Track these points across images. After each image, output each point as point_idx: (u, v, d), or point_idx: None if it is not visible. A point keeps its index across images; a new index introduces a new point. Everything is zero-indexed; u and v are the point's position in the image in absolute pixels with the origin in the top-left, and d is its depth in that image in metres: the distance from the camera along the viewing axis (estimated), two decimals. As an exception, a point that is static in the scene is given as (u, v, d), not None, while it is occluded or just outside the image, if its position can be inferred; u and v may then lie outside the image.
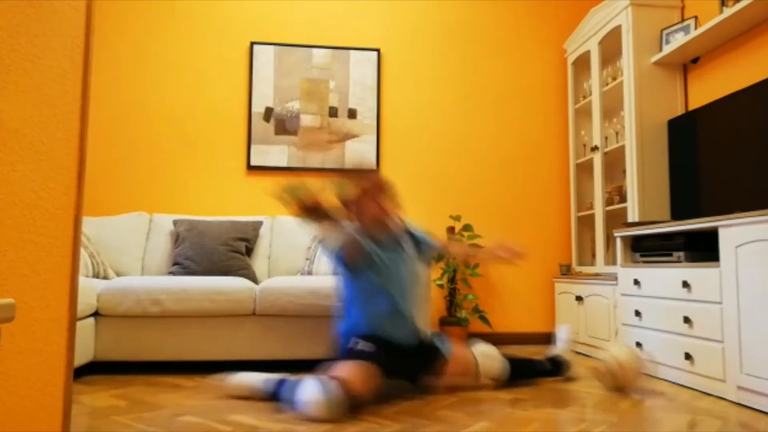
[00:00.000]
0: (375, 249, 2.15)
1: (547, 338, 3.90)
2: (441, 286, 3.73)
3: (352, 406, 1.90)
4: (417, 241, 2.34)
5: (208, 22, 3.85)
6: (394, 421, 1.88)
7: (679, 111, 3.23)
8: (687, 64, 3.25)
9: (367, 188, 2.16)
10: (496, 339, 3.87)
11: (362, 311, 2.17)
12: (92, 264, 2.97)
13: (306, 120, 3.85)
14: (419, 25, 4.04)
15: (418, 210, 3.91)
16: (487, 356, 2.36)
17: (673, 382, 2.55)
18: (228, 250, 3.17)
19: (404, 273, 2.20)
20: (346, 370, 1.95)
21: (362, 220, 2.18)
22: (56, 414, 0.98)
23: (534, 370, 2.51)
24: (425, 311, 2.38)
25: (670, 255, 2.64)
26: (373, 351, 2.05)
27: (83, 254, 2.95)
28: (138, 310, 2.66)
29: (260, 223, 3.40)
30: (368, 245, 2.14)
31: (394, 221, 2.24)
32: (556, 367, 2.55)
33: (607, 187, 3.66)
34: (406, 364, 2.22)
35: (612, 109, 3.76)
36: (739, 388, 2.16)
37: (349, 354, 2.06)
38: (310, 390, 1.88)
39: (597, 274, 3.50)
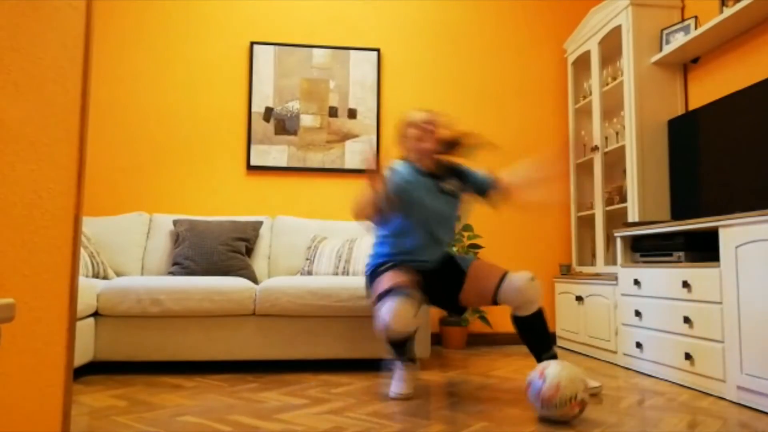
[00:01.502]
0: (412, 185, 2.35)
1: (547, 338, 3.89)
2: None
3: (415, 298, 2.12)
4: (463, 175, 2.49)
5: (208, 22, 3.85)
6: (394, 421, 1.88)
7: (679, 111, 3.23)
8: (687, 64, 3.25)
9: (415, 129, 2.40)
10: (496, 339, 3.87)
11: (395, 243, 2.38)
12: (92, 264, 2.97)
13: (306, 120, 3.85)
14: (419, 25, 4.04)
15: (418, 210, 3.90)
16: (534, 285, 2.25)
17: (673, 382, 2.55)
18: (228, 250, 3.17)
19: (441, 204, 2.38)
20: (388, 279, 2.19)
21: (410, 154, 2.43)
22: (56, 414, 0.98)
23: (545, 338, 2.30)
24: (454, 230, 2.50)
25: (670, 255, 2.64)
26: (395, 268, 2.29)
27: (83, 254, 2.95)
28: (138, 310, 2.66)
29: (260, 223, 3.40)
30: (404, 184, 2.33)
31: (437, 158, 2.43)
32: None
33: (607, 187, 3.66)
34: (432, 283, 2.44)
35: (612, 109, 3.76)
36: (739, 388, 2.16)
37: (377, 275, 2.31)
38: (386, 307, 2.08)
39: (597, 274, 3.50)
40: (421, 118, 2.39)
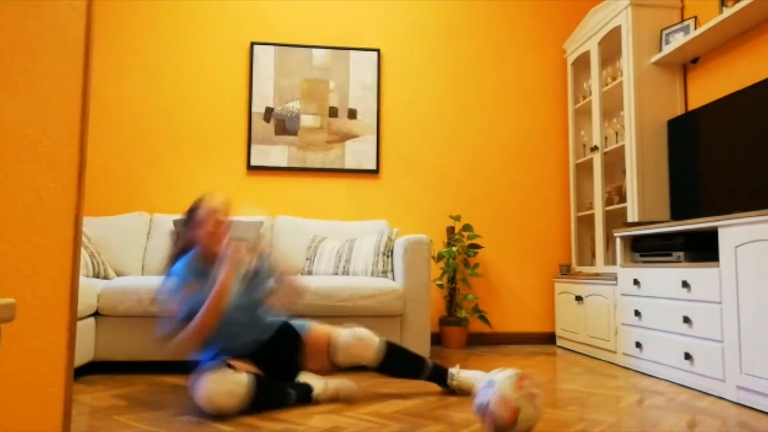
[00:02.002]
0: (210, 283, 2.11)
1: (548, 338, 3.90)
2: (441, 286, 3.74)
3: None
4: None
5: (208, 22, 3.85)
6: (394, 420, 1.88)
7: (679, 111, 3.23)
8: (687, 64, 3.25)
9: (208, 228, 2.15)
10: (496, 339, 3.87)
11: (219, 340, 2.12)
12: (92, 264, 2.97)
13: (306, 120, 3.85)
14: (419, 25, 4.04)
15: (418, 210, 3.91)
16: (358, 338, 2.16)
17: (673, 382, 2.55)
18: (228, 250, 3.17)
19: (244, 293, 2.18)
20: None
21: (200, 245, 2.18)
22: (56, 414, 0.98)
23: (411, 367, 2.23)
24: (271, 303, 2.32)
25: (670, 255, 2.64)
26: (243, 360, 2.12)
27: (83, 254, 2.95)
28: (138, 310, 2.66)
29: (260, 223, 3.40)
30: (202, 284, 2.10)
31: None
32: (437, 374, 2.25)
33: (607, 187, 3.67)
34: (273, 355, 2.20)
35: (612, 109, 3.76)
36: (739, 388, 2.16)
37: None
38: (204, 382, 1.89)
39: (597, 274, 3.50)
40: (217, 210, 2.17)
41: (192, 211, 2.20)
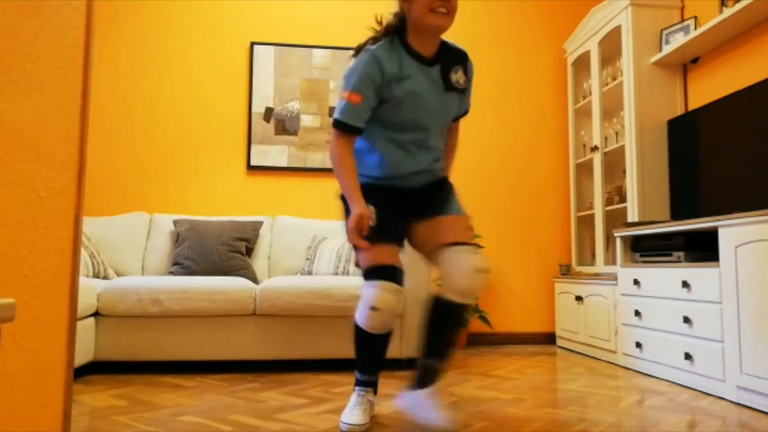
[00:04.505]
0: (409, 81, 1.80)
1: (548, 338, 3.90)
2: (441, 285, 3.73)
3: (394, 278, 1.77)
4: (464, 92, 1.95)
5: (208, 22, 3.85)
6: (394, 420, 1.88)
7: (679, 111, 3.23)
8: (687, 64, 3.25)
9: None
10: (496, 339, 3.87)
11: (370, 153, 1.89)
12: (92, 264, 2.97)
13: (306, 120, 3.85)
14: (419, 25, 4.03)
15: (418, 210, 3.90)
16: (478, 270, 1.78)
17: (673, 382, 2.55)
18: (228, 250, 3.17)
19: (445, 104, 1.86)
20: (369, 258, 1.78)
21: (411, 31, 1.81)
22: (56, 414, 0.98)
23: (449, 343, 1.86)
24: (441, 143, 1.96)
25: (670, 255, 2.64)
26: (377, 224, 1.80)
27: (83, 254, 2.95)
28: (138, 309, 2.66)
29: (260, 223, 3.40)
30: (396, 81, 1.78)
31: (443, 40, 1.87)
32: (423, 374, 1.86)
33: (607, 187, 3.67)
34: (411, 207, 1.92)
35: (612, 109, 3.76)
36: (739, 388, 2.16)
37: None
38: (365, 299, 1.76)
39: (597, 274, 3.50)
40: None
41: None
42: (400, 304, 1.80)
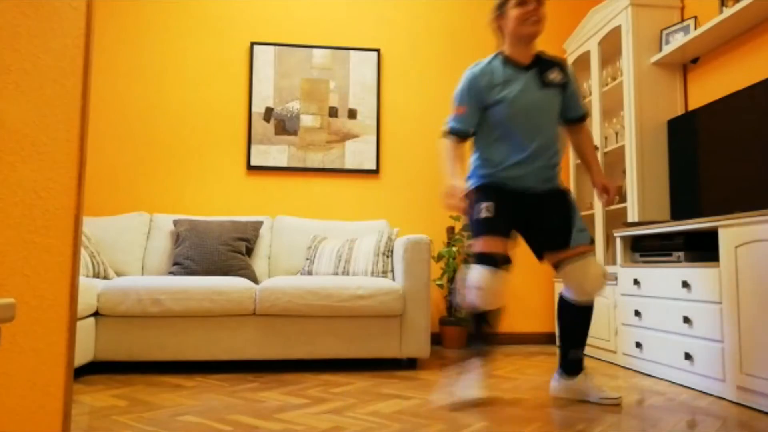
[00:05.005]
0: (506, 87, 2.13)
1: (548, 338, 3.90)
2: (441, 286, 3.73)
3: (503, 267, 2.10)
4: (564, 90, 2.24)
5: (208, 22, 3.85)
6: (394, 421, 1.88)
7: (679, 111, 3.23)
8: (687, 64, 3.25)
9: (518, 7, 2.11)
10: (496, 339, 3.86)
11: (486, 153, 2.20)
12: (92, 264, 2.97)
13: (306, 120, 3.85)
14: (419, 26, 4.04)
15: (418, 210, 3.91)
16: (602, 275, 2.14)
17: (673, 382, 2.55)
18: (228, 250, 3.17)
19: (543, 98, 2.14)
20: (481, 245, 2.10)
21: (506, 44, 2.19)
22: (56, 414, 0.98)
23: (582, 337, 2.23)
24: (556, 142, 2.21)
25: (670, 255, 2.64)
26: (493, 216, 2.11)
27: (83, 254, 2.95)
28: (138, 310, 2.66)
29: (260, 223, 3.40)
30: (491, 89, 2.13)
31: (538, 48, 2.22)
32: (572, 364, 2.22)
33: (607, 187, 3.66)
34: (529, 214, 2.20)
35: (612, 109, 3.76)
36: (739, 388, 2.16)
37: (476, 225, 2.15)
38: (473, 277, 2.07)
39: (597, 274, 3.49)
40: None
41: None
42: (501, 286, 2.11)
